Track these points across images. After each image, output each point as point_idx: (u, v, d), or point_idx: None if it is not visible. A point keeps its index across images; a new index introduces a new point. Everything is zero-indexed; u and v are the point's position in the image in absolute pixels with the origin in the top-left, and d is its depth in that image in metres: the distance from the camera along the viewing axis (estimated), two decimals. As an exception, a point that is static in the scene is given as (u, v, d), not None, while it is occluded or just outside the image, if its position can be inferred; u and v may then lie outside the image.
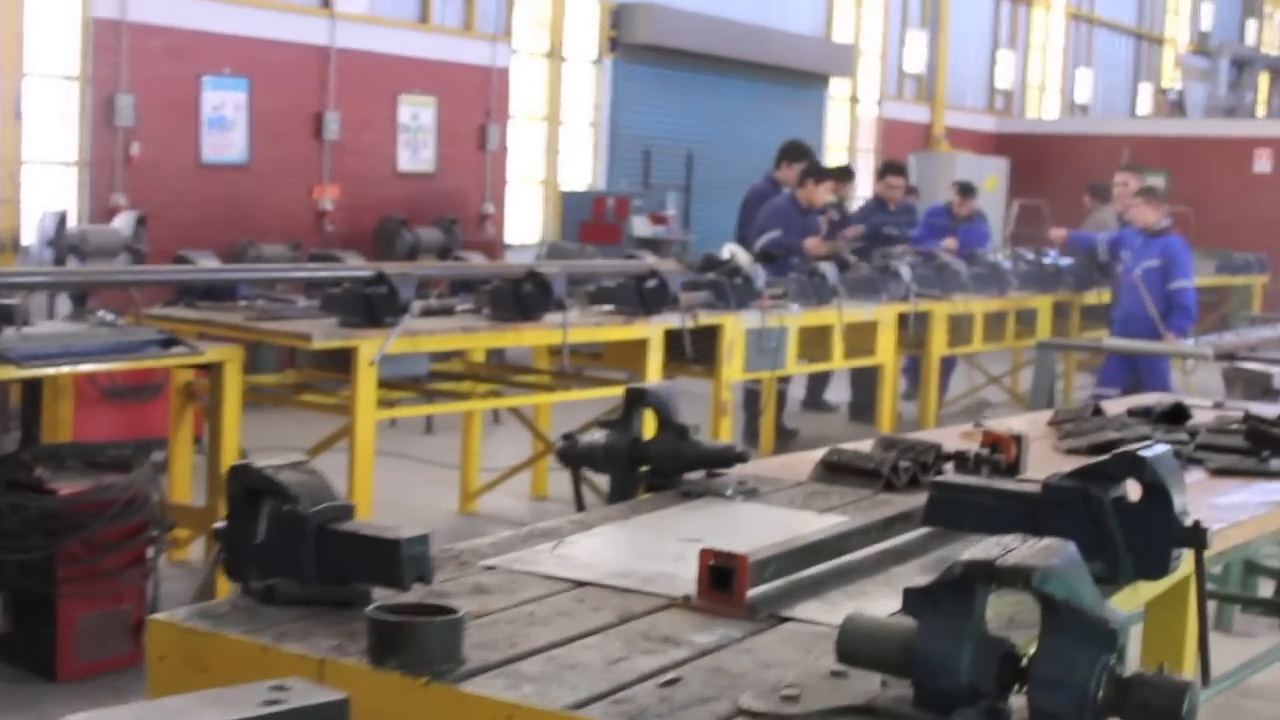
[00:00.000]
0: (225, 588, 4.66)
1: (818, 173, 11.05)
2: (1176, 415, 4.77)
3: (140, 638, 5.30)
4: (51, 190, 11.66)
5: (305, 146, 13.33)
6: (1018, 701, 1.89)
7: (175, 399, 7.04)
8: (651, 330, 7.99)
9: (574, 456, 3.45)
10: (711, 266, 9.03)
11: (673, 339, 8.13)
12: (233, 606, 2.34)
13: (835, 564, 2.73)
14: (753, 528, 3.04)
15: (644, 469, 3.37)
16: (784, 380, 10.77)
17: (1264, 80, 33.28)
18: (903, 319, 10.40)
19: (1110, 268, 11.96)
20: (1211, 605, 5.38)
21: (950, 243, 12.70)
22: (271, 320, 6.89)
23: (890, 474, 3.51)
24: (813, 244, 10.82)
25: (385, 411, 7.28)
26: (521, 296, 7.37)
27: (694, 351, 8.24)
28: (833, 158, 20.49)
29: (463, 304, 7.75)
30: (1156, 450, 2.68)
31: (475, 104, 14.90)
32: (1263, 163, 23.14)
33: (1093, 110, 28.46)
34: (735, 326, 8.52)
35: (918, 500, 3.08)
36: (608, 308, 8.06)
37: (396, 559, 2.31)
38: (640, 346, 8.00)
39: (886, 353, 10.13)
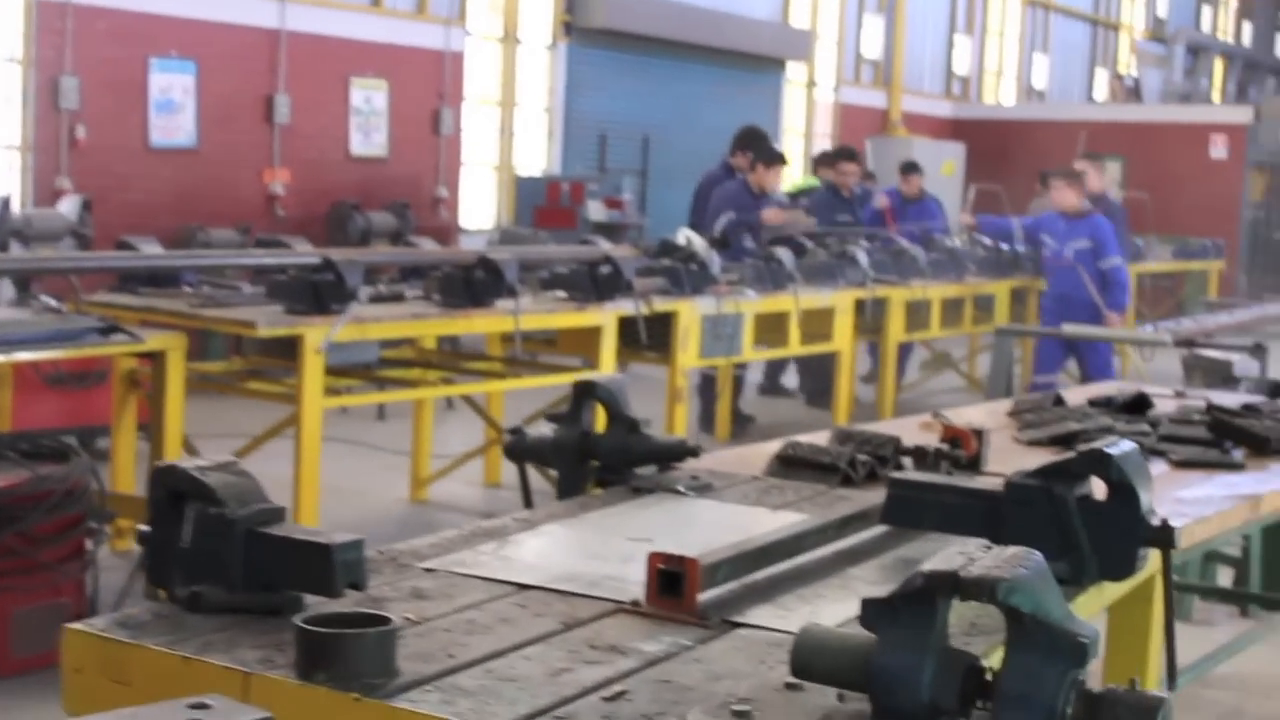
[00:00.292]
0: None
1: (768, 157, 10.98)
2: (1138, 405, 4.70)
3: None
4: (-5, 174, 11.46)
5: (255, 130, 13.14)
6: (982, 719, 1.79)
7: (118, 387, 6.88)
8: (605, 317, 7.88)
9: (521, 451, 3.34)
10: (667, 252, 8.92)
11: (627, 326, 8.03)
12: (155, 615, 2.22)
13: (790, 565, 2.63)
14: (705, 526, 2.94)
15: (594, 464, 3.27)
16: (740, 366, 10.69)
17: (1219, 66, 33.41)
18: (860, 305, 10.33)
19: (1019, 254, 11.93)
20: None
21: (881, 200, 12.74)
22: (216, 307, 6.74)
23: (847, 468, 3.42)
24: (770, 214, 10.83)
25: (333, 400, 7.16)
26: (472, 283, 7.24)
27: (649, 338, 8.13)
28: (789, 143, 20.42)
29: (413, 290, 7.61)
30: (1123, 447, 2.58)
31: (429, 88, 14.73)
32: (1218, 149, 23.19)
33: (1049, 96, 28.48)
34: (690, 313, 8.42)
35: (875, 496, 2.99)
36: (561, 294, 7.95)
37: (329, 565, 2.20)
38: (594, 333, 7.89)
39: (843, 339, 10.04)
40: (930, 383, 13.60)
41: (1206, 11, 35.92)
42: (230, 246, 11.22)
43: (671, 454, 3.27)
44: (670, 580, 2.32)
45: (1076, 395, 5.05)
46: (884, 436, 3.60)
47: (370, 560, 2.44)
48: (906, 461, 3.53)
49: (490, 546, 2.70)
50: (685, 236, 8.98)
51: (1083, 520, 2.56)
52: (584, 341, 8.00)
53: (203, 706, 1.53)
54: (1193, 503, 3.47)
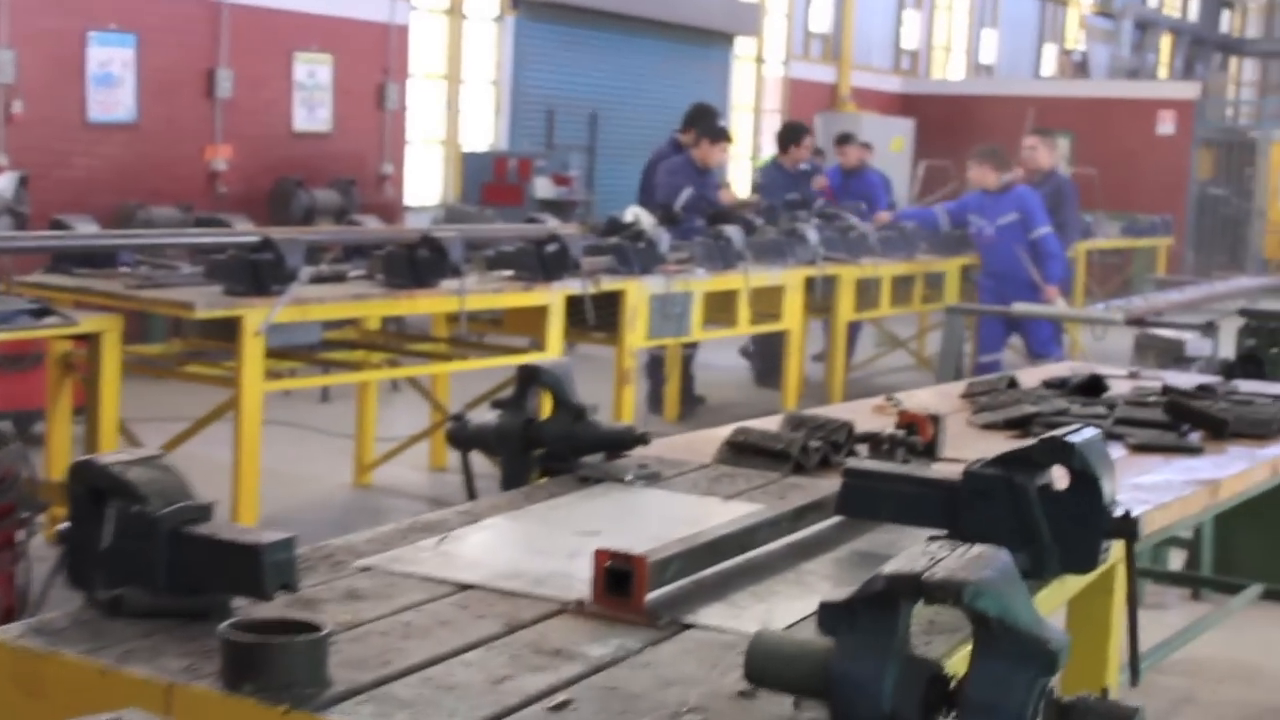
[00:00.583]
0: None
1: (712, 133, 10.93)
2: (1093, 387, 4.63)
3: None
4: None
5: (197, 105, 12.92)
6: (946, 729, 1.70)
7: (52, 370, 6.71)
8: (552, 296, 7.76)
9: (464, 439, 3.22)
10: (615, 230, 8.81)
11: (574, 305, 7.91)
12: (74, 620, 2.10)
13: (742, 559, 2.53)
14: (654, 518, 2.84)
15: (539, 452, 3.16)
16: (690, 346, 10.60)
17: (1166, 42, 33.52)
18: (810, 283, 10.25)
19: (957, 235, 11.89)
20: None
21: (820, 181, 12.72)
22: (153, 288, 6.58)
23: (800, 455, 3.32)
24: (727, 194, 10.85)
25: (274, 383, 7.02)
26: (416, 262, 7.10)
27: (596, 318, 8.02)
28: (738, 118, 20.32)
29: (356, 270, 7.47)
30: (1085, 435, 2.50)
31: (373, 62, 14.53)
32: (1166, 125, 23.24)
33: (998, 71, 28.48)
34: (639, 292, 8.31)
35: (829, 484, 2.90)
36: (507, 273, 7.82)
37: (258, 566, 2.08)
38: (540, 313, 7.77)
39: (793, 317, 9.96)
40: (879, 362, 13.55)
41: (1153, -13, 36.04)
42: (171, 224, 11.04)
43: (619, 442, 3.17)
44: (617, 579, 2.22)
45: (1030, 377, 4.98)
46: (837, 422, 3.50)
47: (303, 558, 2.34)
48: (861, 449, 3.43)
49: (430, 542, 2.59)
50: (634, 214, 8.88)
51: (1044, 511, 2.47)
52: (530, 321, 7.88)
53: (119, 722, 1.43)
54: (1152, 489, 3.40)
